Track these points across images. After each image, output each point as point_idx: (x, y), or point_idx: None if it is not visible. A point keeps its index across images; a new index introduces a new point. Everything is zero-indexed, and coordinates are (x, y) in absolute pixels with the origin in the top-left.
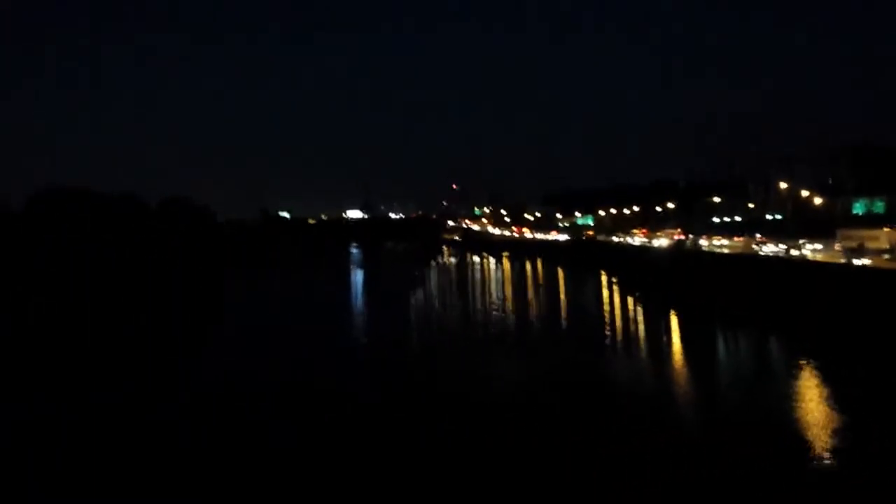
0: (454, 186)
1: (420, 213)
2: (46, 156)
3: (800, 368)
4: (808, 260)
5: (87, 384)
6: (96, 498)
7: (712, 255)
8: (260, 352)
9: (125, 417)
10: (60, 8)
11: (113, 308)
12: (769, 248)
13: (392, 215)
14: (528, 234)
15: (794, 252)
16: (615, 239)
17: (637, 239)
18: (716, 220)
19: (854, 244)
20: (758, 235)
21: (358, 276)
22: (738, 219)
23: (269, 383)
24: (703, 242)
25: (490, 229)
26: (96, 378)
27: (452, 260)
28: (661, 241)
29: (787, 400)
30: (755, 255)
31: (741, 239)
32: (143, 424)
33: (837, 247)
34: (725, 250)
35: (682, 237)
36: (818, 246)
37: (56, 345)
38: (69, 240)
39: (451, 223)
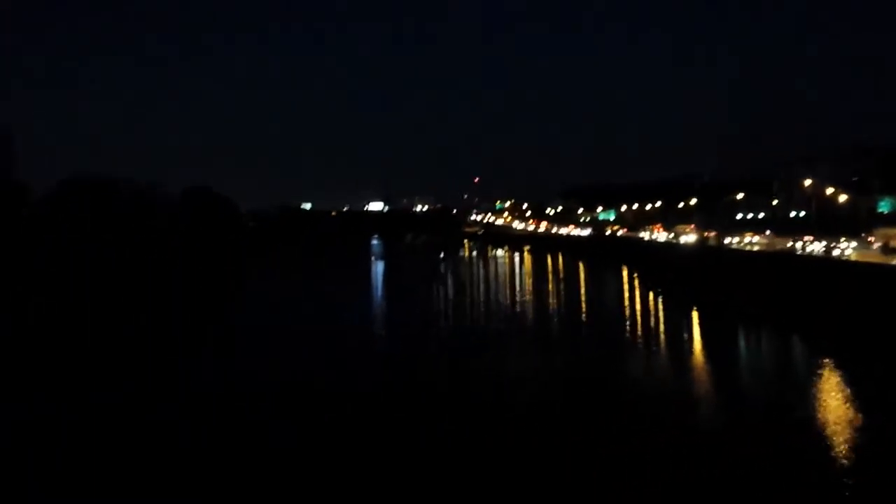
0: (476, 180)
1: (441, 206)
2: (72, 145)
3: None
4: (852, 260)
5: (111, 383)
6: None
7: (739, 253)
8: (283, 346)
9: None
10: None
11: (133, 301)
12: (815, 247)
13: (414, 208)
14: (549, 228)
15: (835, 251)
16: (641, 235)
17: (660, 235)
18: (739, 216)
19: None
20: (806, 237)
21: (378, 268)
22: (761, 216)
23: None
24: (734, 240)
25: (511, 223)
26: (123, 377)
27: (473, 253)
28: (688, 238)
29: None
30: (791, 253)
31: (771, 237)
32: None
33: (875, 245)
34: (756, 248)
35: (706, 234)
36: (853, 244)
37: (68, 339)
38: (90, 231)
39: (472, 217)
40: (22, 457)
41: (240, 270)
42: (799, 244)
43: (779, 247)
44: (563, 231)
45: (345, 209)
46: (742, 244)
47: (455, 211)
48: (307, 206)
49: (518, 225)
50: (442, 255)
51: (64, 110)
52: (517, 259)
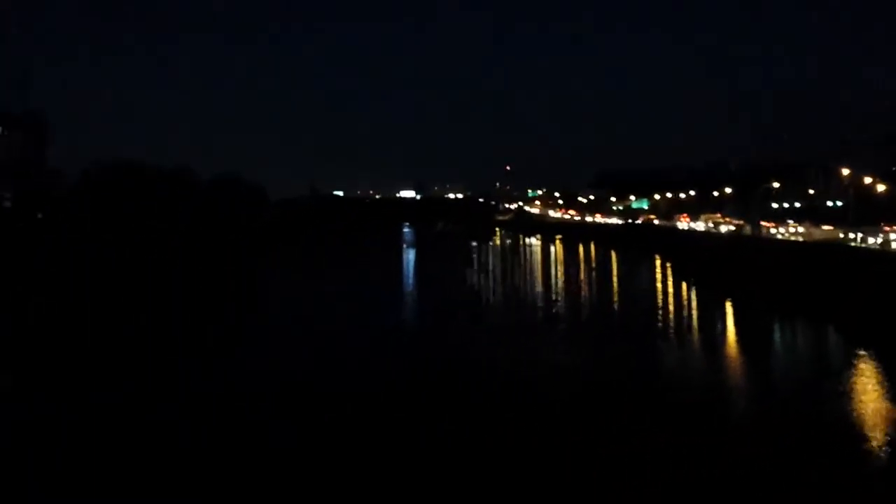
0: (508, 168)
1: (473, 194)
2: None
3: None
4: None
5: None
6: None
7: (776, 243)
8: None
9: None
10: None
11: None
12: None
13: (446, 196)
14: (581, 216)
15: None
16: (676, 224)
17: (695, 224)
18: (774, 206)
19: None
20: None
21: (410, 256)
22: (797, 205)
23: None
24: (778, 230)
25: (543, 211)
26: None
27: (506, 241)
28: (726, 228)
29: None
30: (844, 245)
31: (808, 226)
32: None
33: None
34: (800, 238)
35: (741, 223)
36: None
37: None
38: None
39: (504, 205)
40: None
41: (268, 257)
42: (855, 235)
43: (817, 236)
44: (596, 220)
45: (377, 196)
46: (787, 234)
47: (487, 199)
48: (339, 193)
49: (550, 213)
50: (474, 243)
51: (91, 96)
52: (550, 248)
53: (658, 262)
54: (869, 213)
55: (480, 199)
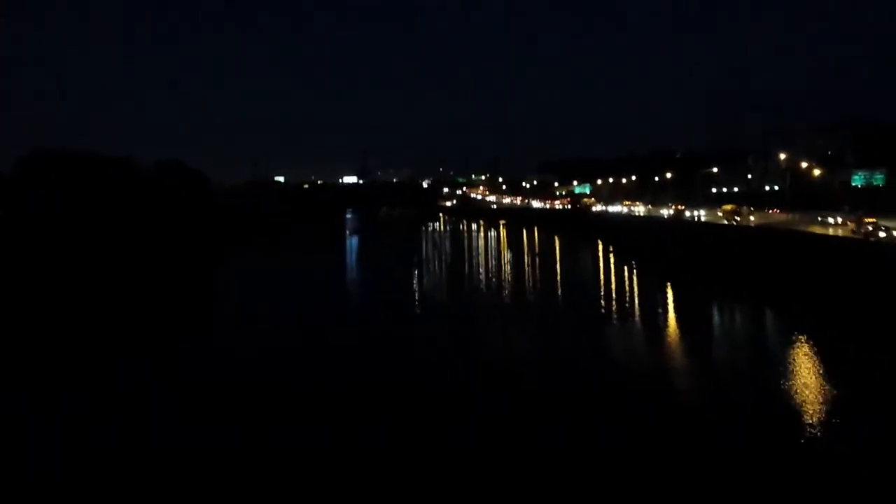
0: (451, 154)
1: (416, 179)
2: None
3: None
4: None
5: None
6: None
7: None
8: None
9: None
10: None
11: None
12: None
13: (389, 181)
14: (525, 201)
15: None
16: (617, 208)
17: (635, 208)
18: (714, 190)
19: None
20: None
21: (353, 244)
22: (735, 189)
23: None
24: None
25: (487, 197)
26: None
27: (449, 227)
28: (664, 212)
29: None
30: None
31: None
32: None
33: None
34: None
35: (679, 207)
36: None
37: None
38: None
39: (447, 190)
40: None
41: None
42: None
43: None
44: (539, 204)
45: (318, 182)
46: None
47: (431, 184)
48: (280, 179)
49: (494, 198)
50: (417, 229)
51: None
52: (493, 233)
53: (601, 248)
54: (804, 195)
55: (424, 185)
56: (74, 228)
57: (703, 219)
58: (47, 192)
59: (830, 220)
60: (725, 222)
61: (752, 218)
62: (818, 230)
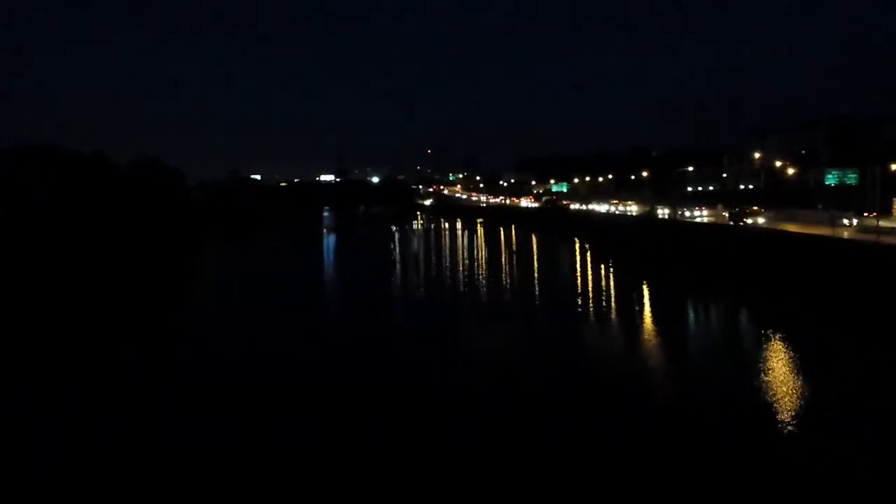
0: (429, 152)
1: (394, 177)
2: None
3: None
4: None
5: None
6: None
7: (690, 226)
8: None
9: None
10: None
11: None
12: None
13: (367, 179)
14: (502, 200)
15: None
16: (594, 207)
17: (613, 207)
18: (689, 189)
19: None
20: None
21: (330, 242)
22: (710, 188)
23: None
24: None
25: (465, 195)
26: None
27: (427, 225)
28: (635, 209)
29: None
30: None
31: (721, 209)
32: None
33: None
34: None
35: (655, 207)
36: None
37: None
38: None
39: (425, 189)
40: None
41: (189, 245)
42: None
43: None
44: (517, 203)
45: (296, 180)
46: (692, 217)
47: (409, 182)
48: (257, 177)
49: (472, 197)
50: (395, 228)
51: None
52: (471, 232)
53: (578, 246)
54: (779, 194)
55: (403, 182)
56: (47, 225)
57: (704, 219)
58: (21, 190)
59: (845, 221)
60: (731, 224)
61: (760, 220)
62: (827, 232)
